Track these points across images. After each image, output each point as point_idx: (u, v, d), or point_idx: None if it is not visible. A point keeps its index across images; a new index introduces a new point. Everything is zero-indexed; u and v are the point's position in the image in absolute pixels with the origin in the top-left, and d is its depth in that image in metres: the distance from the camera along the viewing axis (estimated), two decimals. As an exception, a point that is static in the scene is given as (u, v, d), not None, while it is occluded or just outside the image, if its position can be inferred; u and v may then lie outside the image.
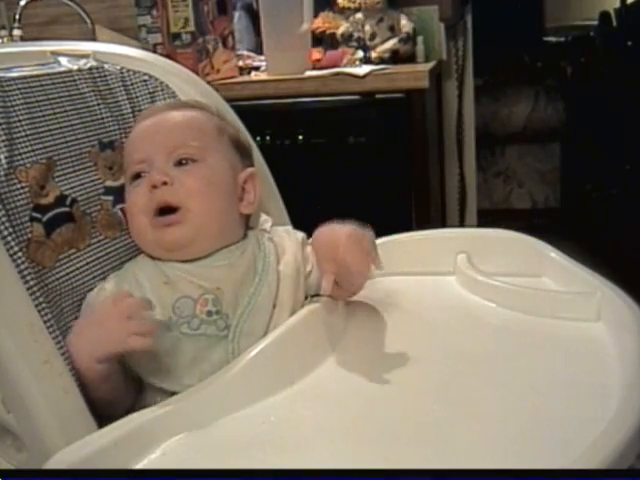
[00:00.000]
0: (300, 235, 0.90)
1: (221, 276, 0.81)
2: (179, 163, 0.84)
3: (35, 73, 0.86)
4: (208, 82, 1.17)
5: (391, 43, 1.95)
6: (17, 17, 2.20)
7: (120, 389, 0.77)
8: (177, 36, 1.84)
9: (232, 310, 0.80)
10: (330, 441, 0.66)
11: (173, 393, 0.75)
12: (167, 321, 0.78)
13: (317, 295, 0.87)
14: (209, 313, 0.79)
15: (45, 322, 0.73)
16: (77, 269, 0.83)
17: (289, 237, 0.89)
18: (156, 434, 0.66)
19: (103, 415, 0.73)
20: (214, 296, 0.80)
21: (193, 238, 0.83)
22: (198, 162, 0.85)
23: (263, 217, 0.93)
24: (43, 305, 0.74)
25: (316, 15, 2.02)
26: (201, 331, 0.78)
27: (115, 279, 0.84)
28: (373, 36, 1.98)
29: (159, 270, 0.82)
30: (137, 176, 0.85)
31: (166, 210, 0.83)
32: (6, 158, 0.79)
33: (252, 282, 0.82)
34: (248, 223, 0.91)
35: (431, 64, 1.93)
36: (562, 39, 3.23)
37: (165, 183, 0.82)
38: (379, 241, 1.02)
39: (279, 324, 0.80)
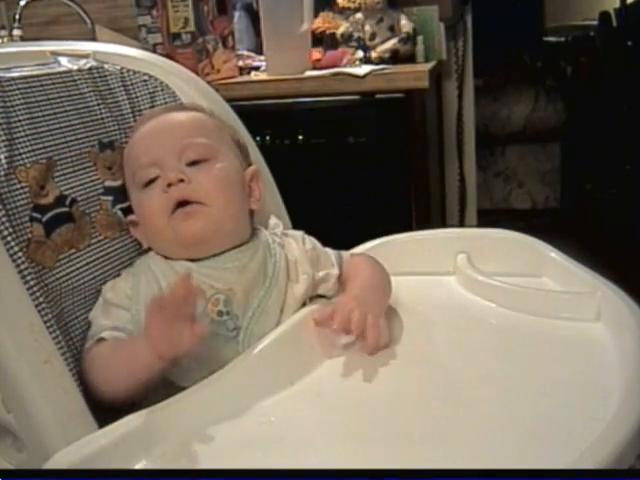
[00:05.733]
0: (310, 242, 0.90)
1: (233, 278, 0.81)
2: (191, 163, 0.84)
3: (35, 73, 0.86)
4: (208, 82, 1.17)
5: (391, 43, 1.95)
6: (17, 17, 2.19)
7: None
8: (177, 36, 1.84)
9: (242, 312, 0.80)
10: (330, 441, 0.66)
11: (183, 388, 0.73)
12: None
13: (320, 296, 0.88)
14: (220, 313, 0.79)
15: (45, 322, 0.73)
16: (77, 269, 0.83)
17: (298, 245, 0.88)
18: (156, 434, 0.66)
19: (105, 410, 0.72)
20: (225, 297, 0.80)
21: (212, 233, 0.82)
22: (209, 161, 0.85)
23: (274, 220, 0.92)
24: (43, 305, 0.74)
25: (316, 15, 2.02)
26: (210, 330, 0.78)
27: (131, 270, 0.84)
28: (373, 36, 1.97)
29: (172, 268, 0.82)
30: (150, 182, 0.84)
31: (185, 205, 0.82)
32: (6, 158, 0.79)
33: (262, 285, 0.82)
34: (253, 222, 0.91)
35: (431, 64, 1.93)
36: (562, 39, 3.23)
37: (182, 180, 0.82)
38: (379, 241, 1.03)
39: None
